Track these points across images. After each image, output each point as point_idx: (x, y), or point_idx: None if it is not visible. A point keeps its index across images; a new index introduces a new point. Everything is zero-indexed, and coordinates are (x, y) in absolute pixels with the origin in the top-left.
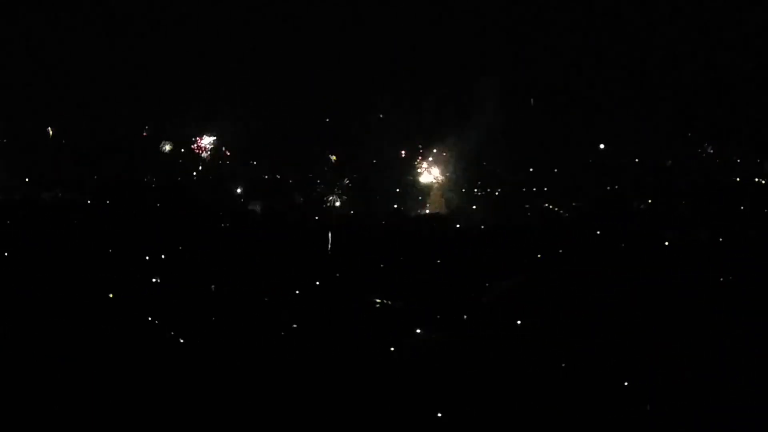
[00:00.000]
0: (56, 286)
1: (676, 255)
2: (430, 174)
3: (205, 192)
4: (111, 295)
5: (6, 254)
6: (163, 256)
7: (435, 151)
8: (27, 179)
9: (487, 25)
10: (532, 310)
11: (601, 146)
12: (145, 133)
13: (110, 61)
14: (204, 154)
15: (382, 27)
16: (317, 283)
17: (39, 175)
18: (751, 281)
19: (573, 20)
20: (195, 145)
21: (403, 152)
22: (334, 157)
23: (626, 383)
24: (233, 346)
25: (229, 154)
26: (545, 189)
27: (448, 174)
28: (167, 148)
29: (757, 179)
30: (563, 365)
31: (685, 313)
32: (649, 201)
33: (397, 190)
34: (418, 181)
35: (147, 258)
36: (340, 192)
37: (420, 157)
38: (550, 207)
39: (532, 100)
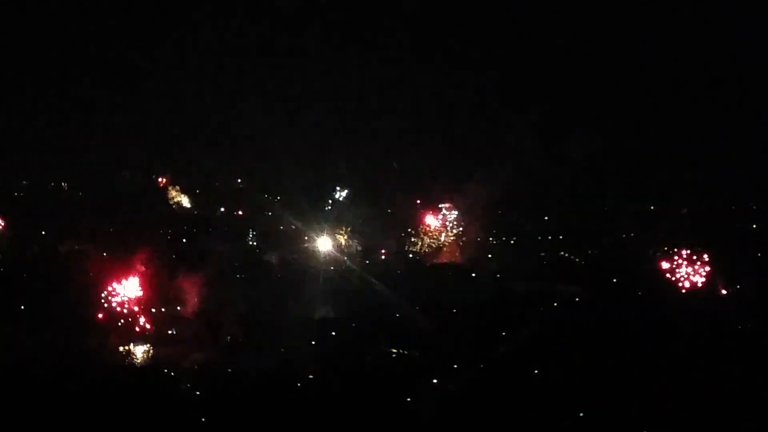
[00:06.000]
0: (74, 336)
1: (693, 303)
2: (445, 223)
3: (220, 243)
4: (127, 348)
5: (23, 307)
6: (178, 308)
7: (450, 200)
8: (43, 232)
9: (505, 76)
10: (549, 360)
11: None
12: (160, 185)
13: (125, 113)
14: (219, 206)
15: (400, 76)
16: (333, 333)
17: (55, 227)
18: None
19: (588, 71)
20: (210, 197)
21: (418, 201)
22: (349, 207)
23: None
24: (250, 397)
25: (245, 204)
26: (560, 237)
27: (463, 223)
28: None
29: None
30: (581, 414)
31: (704, 362)
32: (665, 248)
33: (413, 239)
34: (434, 231)
35: (163, 309)
36: (355, 242)
37: (435, 206)
38: (566, 255)
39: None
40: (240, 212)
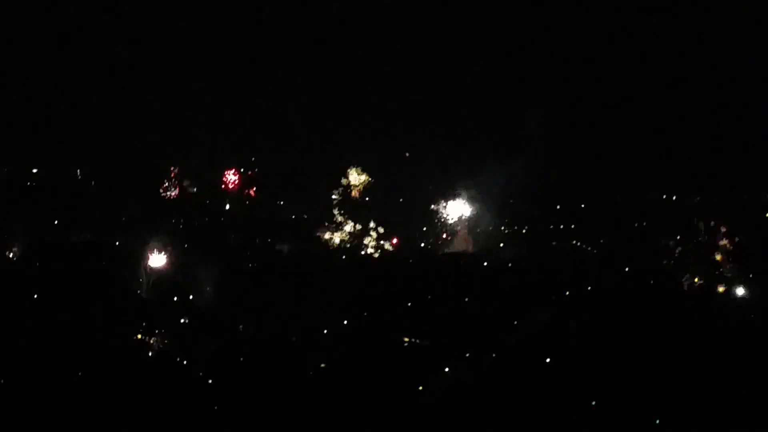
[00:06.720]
0: (87, 327)
1: (705, 292)
2: (457, 212)
3: (232, 232)
4: (139, 336)
5: (36, 296)
6: (191, 297)
7: (462, 189)
8: (56, 221)
9: (519, 64)
10: (560, 348)
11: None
12: (172, 175)
13: (139, 103)
14: (232, 195)
15: (414, 71)
16: (345, 322)
17: (67, 217)
18: None
19: (600, 65)
20: (223, 186)
21: (430, 192)
22: (357, 195)
23: (657, 421)
24: (262, 387)
25: (256, 193)
26: (572, 226)
27: (475, 212)
28: None
29: None
30: (593, 403)
31: (714, 350)
32: (678, 237)
33: (424, 228)
34: (445, 219)
35: (175, 299)
36: (367, 231)
37: (447, 195)
38: (578, 244)
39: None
40: (251, 200)
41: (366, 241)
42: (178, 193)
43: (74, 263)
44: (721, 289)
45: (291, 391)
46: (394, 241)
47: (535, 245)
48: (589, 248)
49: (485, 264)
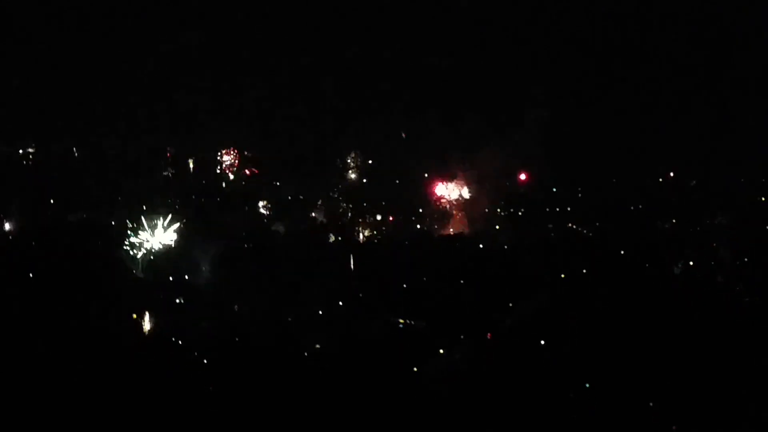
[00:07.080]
0: (83, 305)
1: (700, 275)
2: (453, 194)
3: (229, 212)
4: (135, 316)
5: (32, 275)
6: (186, 276)
7: (458, 170)
8: (52, 200)
9: (513, 52)
10: (555, 331)
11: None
12: (169, 154)
13: (136, 82)
14: (228, 175)
15: (409, 53)
16: (340, 303)
17: (64, 196)
18: None
19: (597, 47)
20: (220, 166)
21: (426, 174)
22: (356, 177)
23: (651, 404)
24: (256, 367)
25: (252, 174)
26: (568, 209)
27: (471, 194)
28: None
29: None
30: (587, 385)
31: (709, 333)
32: (674, 221)
33: (420, 210)
34: (441, 202)
35: (171, 279)
36: (363, 213)
37: (443, 177)
38: (574, 227)
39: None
40: (248, 180)
41: (362, 222)
42: (175, 172)
43: (70, 242)
44: (717, 273)
45: (286, 371)
46: (390, 219)
47: (530, 228)
48: (585, 231)
49: (481, 246)
